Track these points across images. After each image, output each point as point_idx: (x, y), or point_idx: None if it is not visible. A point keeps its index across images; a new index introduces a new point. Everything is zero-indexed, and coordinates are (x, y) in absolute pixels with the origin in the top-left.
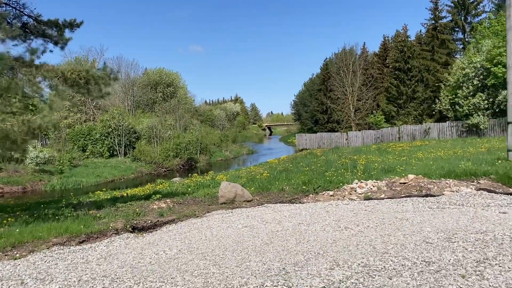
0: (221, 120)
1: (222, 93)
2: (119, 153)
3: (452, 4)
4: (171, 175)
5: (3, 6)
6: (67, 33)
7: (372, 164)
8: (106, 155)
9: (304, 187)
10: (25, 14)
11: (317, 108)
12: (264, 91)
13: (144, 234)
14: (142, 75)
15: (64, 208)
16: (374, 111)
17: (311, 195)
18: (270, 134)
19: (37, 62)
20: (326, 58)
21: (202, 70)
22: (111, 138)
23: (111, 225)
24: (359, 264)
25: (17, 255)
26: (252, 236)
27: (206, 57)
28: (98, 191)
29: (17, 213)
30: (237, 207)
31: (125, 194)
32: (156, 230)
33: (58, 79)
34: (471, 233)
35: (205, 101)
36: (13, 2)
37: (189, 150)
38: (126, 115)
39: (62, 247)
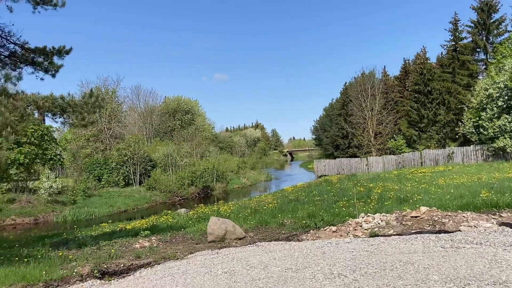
0: (241, 147)
1: (244, 119)
2: (134, 182)
3: (472, 25)
4: (186, 204)
5: None
6: (56, 61)
7: (388, 193)
8: (121, 184)
9: (304, 221)
10: (12, 42)
11: (337, 133)
12: (285, 117)
13: (112, 281)
14: (161, 103)
15: (41, 248)
16: (395, 135)
17: (312, 230)
18: (292, 160)
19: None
20: (346, 83)
21: (226, 97)
22: (126, 167)
23: (76, 270)
24: None
25: None
26: (227, 286)
27: (231, 84)
28: (104, 223)
29: None
30: (225, 247)
31: (127, 227)
32: (129, 275)
33: (29, 107)
34: (488, 285)
35: (226, 128)
36: None
37: (205, 178)
38: (142, 143)
39: None
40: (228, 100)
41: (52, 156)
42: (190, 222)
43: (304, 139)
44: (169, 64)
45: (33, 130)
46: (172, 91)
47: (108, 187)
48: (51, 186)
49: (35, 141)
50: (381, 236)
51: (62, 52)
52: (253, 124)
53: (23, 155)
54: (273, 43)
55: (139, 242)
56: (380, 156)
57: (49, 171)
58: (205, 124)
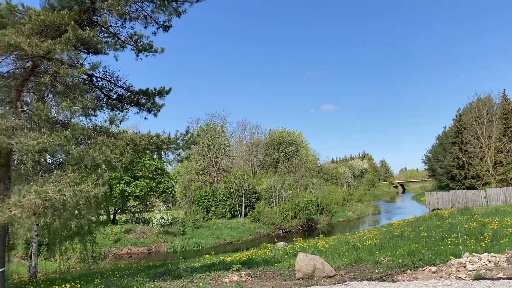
0: (347, 178)
1: (350, 150)
2: (240, 213)
3: None
4: (290, 236)
5: (99, 81)
6: (158, 101)
7: (505, 230)
8: (228, 216)
9: (400, 260)
10: (119, 86)
11: (451, 163)
12: (395, 147)
13: None
14: (266, 136)
15: (139, 279)
16: None
17: (409, 270)
18: (403, 192)
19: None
20: (460, 109)
21: (333, 128)
22: (232, 199)
23: None
24: None
25: None
26: None
27: (338, 115)
28: (207, 255)
29: (96, 281)
30: (313, 285)
31: (226, 260)
32: None
33: (128, 145)
34: None
35: (332, 159)
36: (108, 76)
37: (308, 211)
38: (247, 176)
39: None
40: (335, 131)
41: (165, 189)
42: (286, 256)
43: (417, 169)
44: (276, 98)
45: (148, 165)
46: (278, 124)
47: (216, 218)
48: (162, 218)
49: (149, 175)
50: (488, 279)
51: (162, 92)
52: (360, 155)
53: (139, 188)
54: (381, 72)
55: (228, 276)
56: (501, 187)
57: (162, 203)
58: (309, 155)
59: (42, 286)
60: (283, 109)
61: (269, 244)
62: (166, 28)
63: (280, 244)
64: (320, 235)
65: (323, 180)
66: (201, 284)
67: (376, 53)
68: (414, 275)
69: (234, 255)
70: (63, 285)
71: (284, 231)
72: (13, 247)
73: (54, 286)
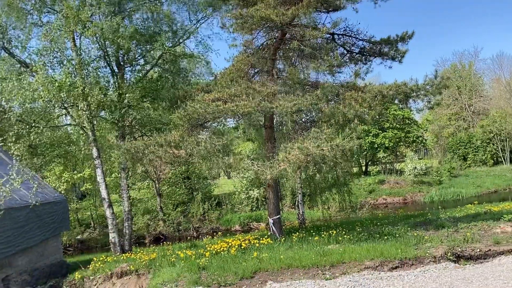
0: None
1: None
2: (504, 160)
3: None
4: None
5: (340, 37)
6: (400, 47)
7: None
8: (489, 163)
9: None
10: (360, 39)
11: None
12: None
13: (467, 265)
14: None
15: (400, 227)
16: None
17: None
18: None
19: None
20: None
21: None
22: (493, 144)
23: (429, 251)
24: None
25: (328, 275)
26: None
27: None
28: (469, 205)
29: (357, 229)
30: None
31: (493, 209)
32: (486, 261)
33: (376, 97)
34: None
35: None
36: (349, 31)
37: None
38: (510, 117)
39: (372, 271)
40: None
41: (415, 138)
42: None
43: None
44: None
45: (394, 115)
46: None
47: (475, 166)
48: (415, 168)
49: (397, 125)
50: None
51: (405, 38)
52: None
53: (388, 139)
54: None
55: (500, 226)
56: None
57: (413, 153)
58: None
59: (311, 231)
60: None
61: None
62: None
63: None
64: None
65: None
66: (468, 234)
67: None
68: None
69: (502, 205)
70: (330, 231)
71: None
72: (282, 197)
73: (322, 232)
